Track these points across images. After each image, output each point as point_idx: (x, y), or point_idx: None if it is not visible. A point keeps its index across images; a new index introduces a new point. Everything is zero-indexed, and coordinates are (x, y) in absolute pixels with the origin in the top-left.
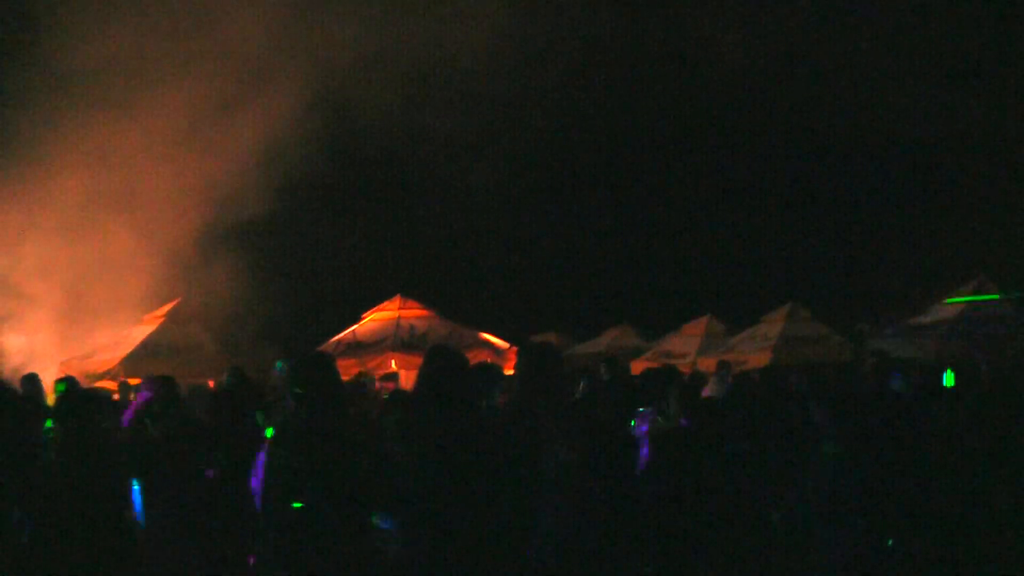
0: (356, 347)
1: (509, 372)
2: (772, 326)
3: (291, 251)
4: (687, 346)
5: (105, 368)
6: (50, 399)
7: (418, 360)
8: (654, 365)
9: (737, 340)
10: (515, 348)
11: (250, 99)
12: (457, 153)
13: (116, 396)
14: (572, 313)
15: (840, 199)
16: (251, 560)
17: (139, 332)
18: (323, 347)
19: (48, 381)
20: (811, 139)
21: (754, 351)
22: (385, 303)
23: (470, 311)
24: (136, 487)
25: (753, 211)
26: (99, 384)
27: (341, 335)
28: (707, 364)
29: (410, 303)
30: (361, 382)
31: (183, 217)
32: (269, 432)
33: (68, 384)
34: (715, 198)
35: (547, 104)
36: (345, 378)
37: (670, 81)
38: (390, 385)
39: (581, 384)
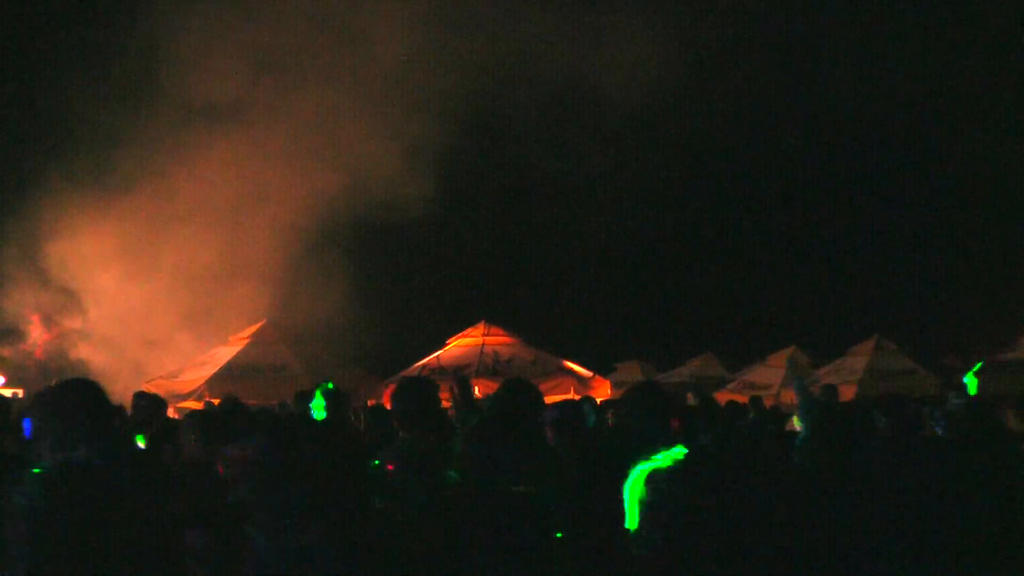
0: (440, 372)
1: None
2: (858, 359)
3: (379, 275)
4: (771, 377)
5: (190, 388)
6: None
7: None
8: (737, 397)
9: (822, 372)
10: (598, 377)
11: (353, 121)
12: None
13: None
14: (656, 341)
15: (928, 230)
16: None
17: (225, 352)
18: (407, 371)
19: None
20: (900, 169)
21: (839, 383)
22: (469, 329)
23: (555, 338)
24: None
25: (840, 241)
26: (183, 404)
27: (426, 360)
28: (791, 396)
29: (495, 329)
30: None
31: (275, 237)
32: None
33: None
34: (802, 229)
35: (648, 139)
36: None
37: (778, 123)
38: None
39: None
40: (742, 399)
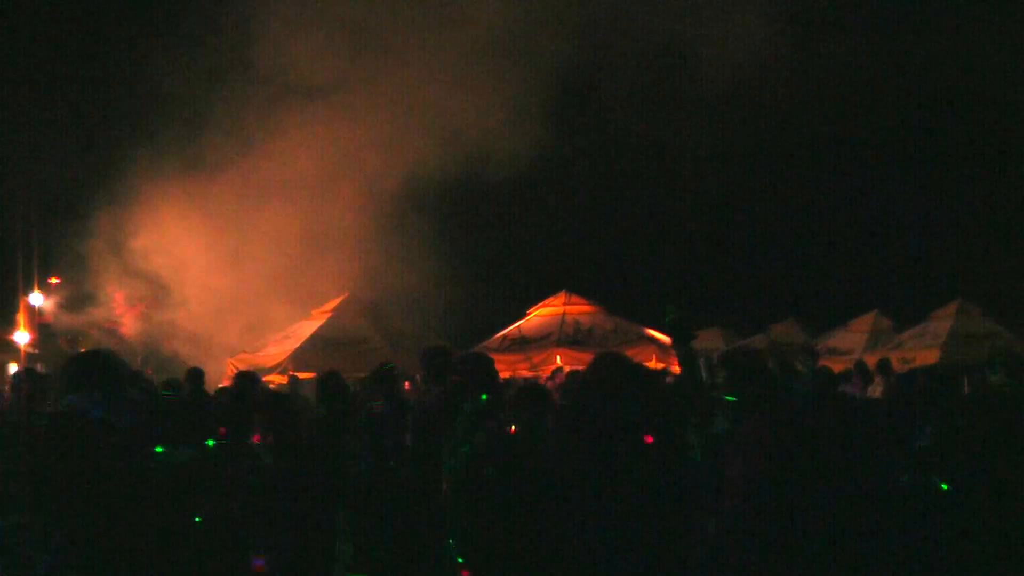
0: (522, 342)
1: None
2: (941, 323)
3: (460, 247)
4: (854, 342)
5: (274, 362)
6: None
7: (584, 356)
8: (821, 362)
9: (905, 336)
10: None
11: (440, 89)
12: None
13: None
14: (737, 307)
15: (1011, 193)
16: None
17: (308, 327)
18: (489, 342)
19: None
20: (985, 130)
21: (922, 348)
22: (550, 298)
23: (635, 307)
24: None
25: (921, 205)
26: (268, 378)
27: (507, 330)
28: (873, 361)
29: (575, 298)
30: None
31: (356, 210)
32: None
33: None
34: (882, 193)
35: (733, 107)
36: (509, 374)
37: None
38: (558, 380)
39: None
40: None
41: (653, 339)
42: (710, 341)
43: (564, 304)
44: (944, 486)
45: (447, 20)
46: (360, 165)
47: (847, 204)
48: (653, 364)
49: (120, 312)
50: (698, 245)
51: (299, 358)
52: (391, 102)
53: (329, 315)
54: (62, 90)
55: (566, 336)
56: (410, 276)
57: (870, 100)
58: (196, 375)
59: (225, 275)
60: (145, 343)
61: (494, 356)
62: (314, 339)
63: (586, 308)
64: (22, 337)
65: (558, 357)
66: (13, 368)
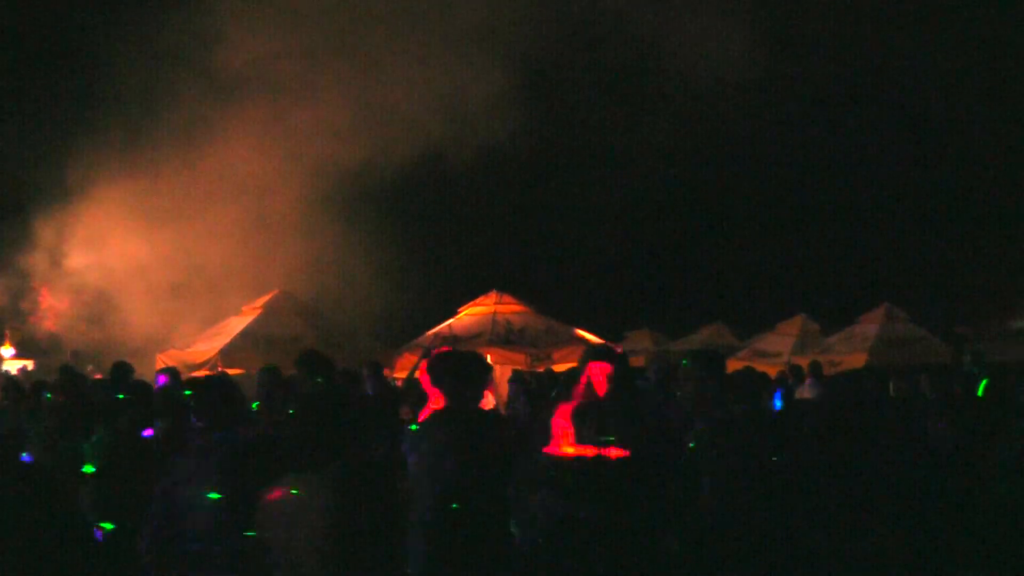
0: (452, 341)
1: None
2: (868, 327)
3: (390, 245)
4: (781, 345)
5: (203, 359)
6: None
7: (514, 355)
8: (748, 364)
9: (833, 340)
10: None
11: (382, 81)
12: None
13: None
14: (666, 310)
15: (937, 196)
16: None
17: (238, 323)
18: (420, 340)
19: (146, 370)
20: (910, 136)
21: (850, 352)
22: (481, 297)
23: (565, 307)
24: None
25: (850, 209)
26: (196, 375)
27: (437, 328)
28: (802, 363)
29: (506, 298)
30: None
31: (288, 205)
32: None
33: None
34: (812, 196)
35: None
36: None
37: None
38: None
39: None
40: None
41: (583, 339)
42: (639, 343)
43: (495, 303)
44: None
45: (390, 6)
46: (295, 160)
47: (775, 207)
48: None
49: (46, 306)
50: (627, 247)
51: (229, 355)
52: (324, 97)
53: (260, 311)
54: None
55: (498, 335)
56: (339, 274)
57: (787, 105)
58: (122, 368)
59: (163, 270)
60: (73, 339)
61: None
62: (244, 335)
63: (517, 307)
64: None
65: (490, 356)
66: None
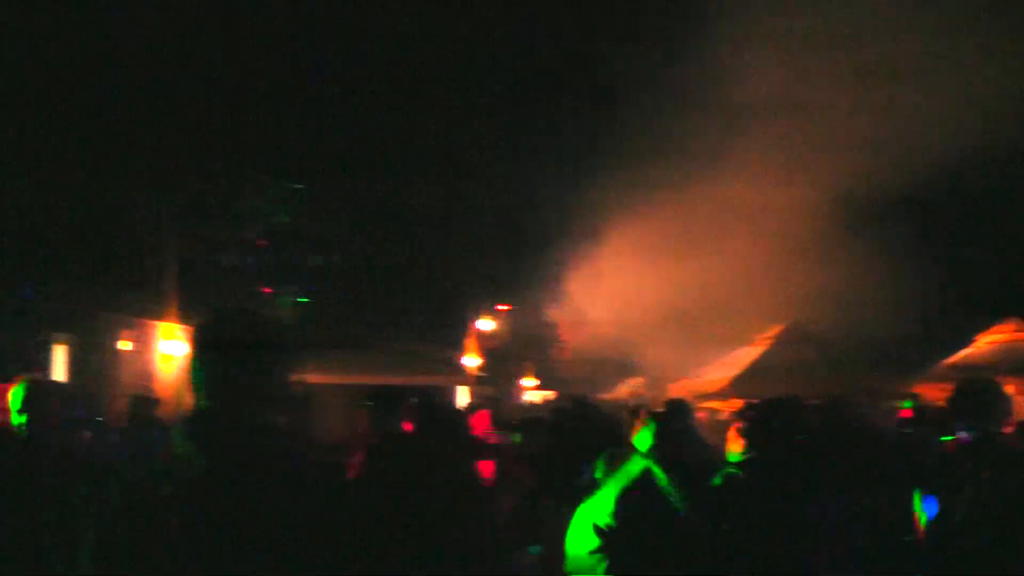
0: (970, 372)
1: None
2: None
3: (908, 272)
4: None
5: (715, 388)
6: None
7: None
8: None
9: None
10: None
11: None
12: None
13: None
14: None
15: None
16: None
17: (749, 353)
18: (933, 370)
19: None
20: None
21: None
22: (998, 325)
23: None
24: None
25: None
26: (707, 404)
27: (952, 358)
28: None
29: None
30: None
31: (802, 231)
32: None
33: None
34: None
35: None
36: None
37: None
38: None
39: None
40: None
41: None
42: None
43: (1014, 331)
44: None
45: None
46: (808, 186)
47: None
48: None
49: (563, 334)
50: None
51: (740, 384)
52: (842, 115)
53: (771, 341)
54: None
55: (1018, 364)
56: (857, 298)
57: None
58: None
59: (677, 301)
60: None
61: None
62: (755, 365)
63: None
64: (471, 361)
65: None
66: (462, 391)
